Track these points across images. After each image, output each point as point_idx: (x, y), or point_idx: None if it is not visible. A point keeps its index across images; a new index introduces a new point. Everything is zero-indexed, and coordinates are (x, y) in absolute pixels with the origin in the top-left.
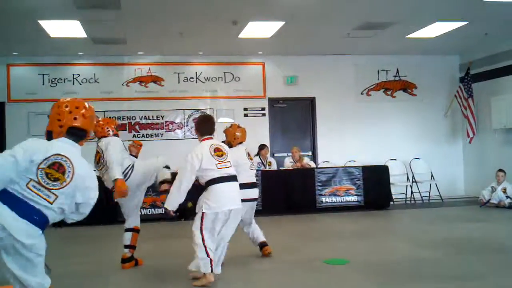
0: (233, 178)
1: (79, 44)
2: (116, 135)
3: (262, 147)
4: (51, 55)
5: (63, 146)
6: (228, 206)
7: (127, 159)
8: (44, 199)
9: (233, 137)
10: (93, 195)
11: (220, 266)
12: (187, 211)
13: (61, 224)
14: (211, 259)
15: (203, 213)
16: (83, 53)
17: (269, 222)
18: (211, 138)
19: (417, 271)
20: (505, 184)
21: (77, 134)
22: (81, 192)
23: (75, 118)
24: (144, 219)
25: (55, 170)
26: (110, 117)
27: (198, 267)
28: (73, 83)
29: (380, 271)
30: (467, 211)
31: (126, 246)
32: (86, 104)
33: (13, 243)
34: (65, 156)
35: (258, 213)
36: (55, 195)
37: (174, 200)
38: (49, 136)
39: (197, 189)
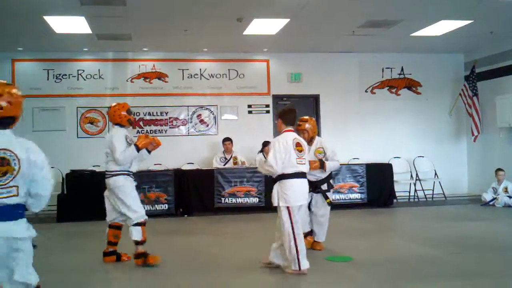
0: (305, 175)
1: (84, 40)
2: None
3: (265, 144)
4: (56, 51)
5: None
6: (300, 202)
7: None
8: (9, 196)
9: (314, 132)
10: (45, 172)
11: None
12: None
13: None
14: (298, 257)
15: (288, 207)
16: (88, 49)
17: (272, 218)
18: (293, 131)
19: (420, 269)
20: (505, 183)
21: (4, 122)
22: (32, 172)
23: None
24: (148, 215)
25: (0, 165)
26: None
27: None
28: (78, 79)
29: (383, 269)
30: (470, 209)
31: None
32: (11, 89)
33: (12, 245)
34: (2, 149)
35: (261, 209)
36: (15, 186)
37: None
38: None
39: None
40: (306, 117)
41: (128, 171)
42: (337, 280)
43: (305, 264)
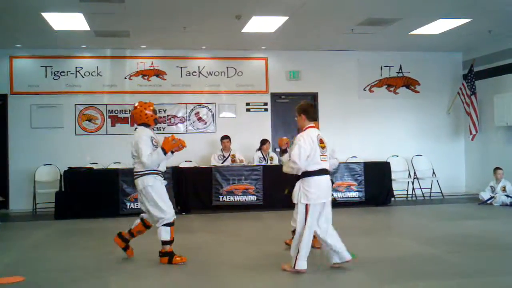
0: (328, 172)
1: (82, 37)
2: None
3: (264, 142)
4: (54, 48)
5: None
6: (322, 199)
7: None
8: None
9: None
10: None
11: (345, 252)
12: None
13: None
14: (297, 256)
15: (306, 205)
16: (86, 46)
17: (271, 216)
18: (314, 126)
19: (419, 268)
20: (504, 182)
21: None
22: None
23: None
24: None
25: None
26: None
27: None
28: (76, 76)
29: (382, 267)
30: (468, 208)
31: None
32: None
33: None
34: None
35: (259, 207)
36: None
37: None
38: None
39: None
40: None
41: (157, 170)
42: (336, 277)
43: (301, 265)
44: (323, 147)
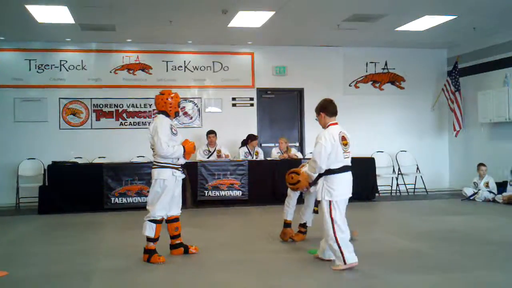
0: (350, 168)
1: (67, 30)
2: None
3: (250, 137)
4: (39, 41)
5: None
6: (346, 195)
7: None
8: None
9: None
10: None
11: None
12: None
13: None
14: (342, 251)
15: (330, 201)
16: (71, 39)
17: (255, 211)
18: (337, 123)
19: (401, 262)
20: (487, 178)
21: None
22: None
23: None
24: (131, 207)
25: None
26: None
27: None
28: (60, 69)
29: (366, 262)
30: (451, 204)
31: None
32: None
33: None
34: None
35: (244, 202)
36: None
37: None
38: None
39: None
40: None
41: (176, 164)
42: (320, 272)
43: (351, 258)
44: (345, 144)
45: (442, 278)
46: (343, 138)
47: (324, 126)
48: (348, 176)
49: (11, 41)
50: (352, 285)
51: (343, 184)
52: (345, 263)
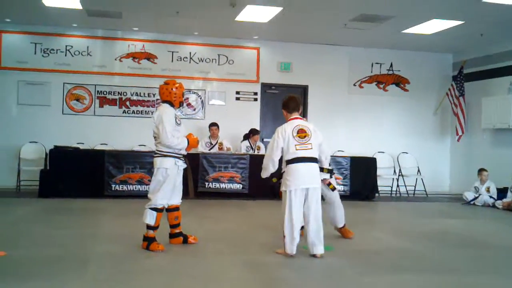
0: (311, 159)
1: (74, 15)
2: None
3: (255, 132)
4: (45, 25)
5: None
6: (299, 185)
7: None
8: None
9: None
10: None
11: (316, 246)
12: (275, 187)
13: None
14: (285, 240)
15: (285, 191)
16: (77, 25)
17: (255, 205)
18: (299, 118)
19: (397, 262)
20: (489, 183)
21: None
22: None
23: None
24: (131, 195)
25: None
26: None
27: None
28: (65, 55)
29: (362, 260)
30: (450, 207)
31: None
32: None
33: None
34: None
35: (244, 196)
36: None
37: (264, 171)
38: None
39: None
40: None
41: (179, 154)
42: (316, 269)
43: (288, 249)
44: (303, 137)
45: (433, 279)
46: (301, 131)
47: (287, 120)
48: (302, 167)
49: (17, 24)
50: (345, 281)
51: (296, 175)
52: (285, 250)
